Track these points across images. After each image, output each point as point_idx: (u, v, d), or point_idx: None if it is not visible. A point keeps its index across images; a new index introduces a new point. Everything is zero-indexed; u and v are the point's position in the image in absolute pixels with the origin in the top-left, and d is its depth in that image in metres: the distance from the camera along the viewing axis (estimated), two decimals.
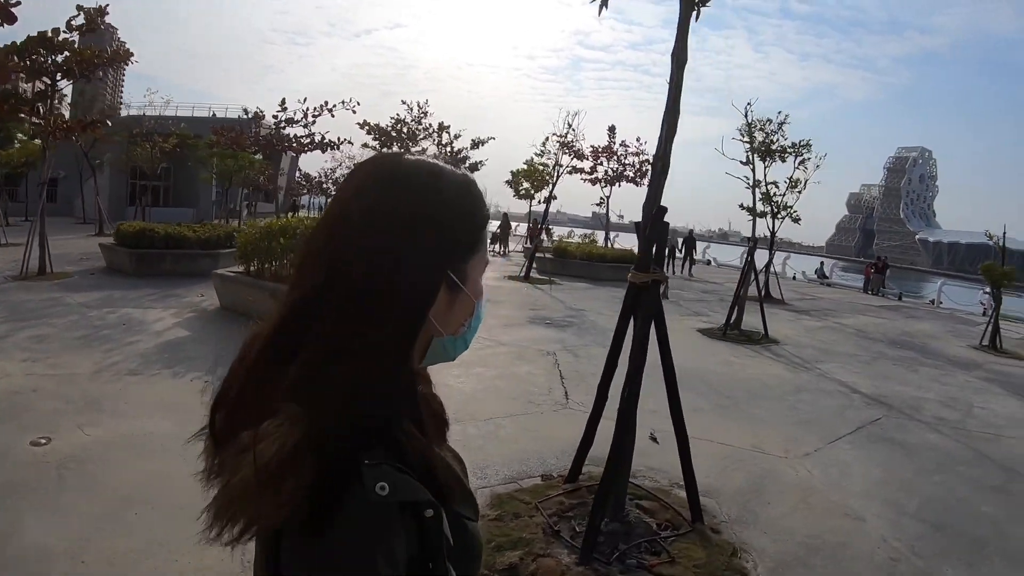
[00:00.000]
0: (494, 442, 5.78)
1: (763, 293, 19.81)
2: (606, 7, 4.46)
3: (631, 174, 29.28)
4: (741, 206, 21.29)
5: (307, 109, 24.44)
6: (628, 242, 43.95)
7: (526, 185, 26.27)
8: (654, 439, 5.90)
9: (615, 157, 29.76)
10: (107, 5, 13.07)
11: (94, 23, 12.79)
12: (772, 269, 20.70)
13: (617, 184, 30.18)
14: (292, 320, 0.79)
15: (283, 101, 24.47)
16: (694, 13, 4.37)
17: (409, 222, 0.80)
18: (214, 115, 44.38)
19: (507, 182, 29.89)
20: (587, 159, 29.96)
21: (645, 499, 4.70)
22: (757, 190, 20.39)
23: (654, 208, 4.42)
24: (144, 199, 33.00)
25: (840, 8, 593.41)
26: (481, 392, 7.21)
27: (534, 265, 21.25)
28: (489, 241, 32.33)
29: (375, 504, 0.72)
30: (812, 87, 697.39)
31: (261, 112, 27.43)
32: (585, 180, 30.41)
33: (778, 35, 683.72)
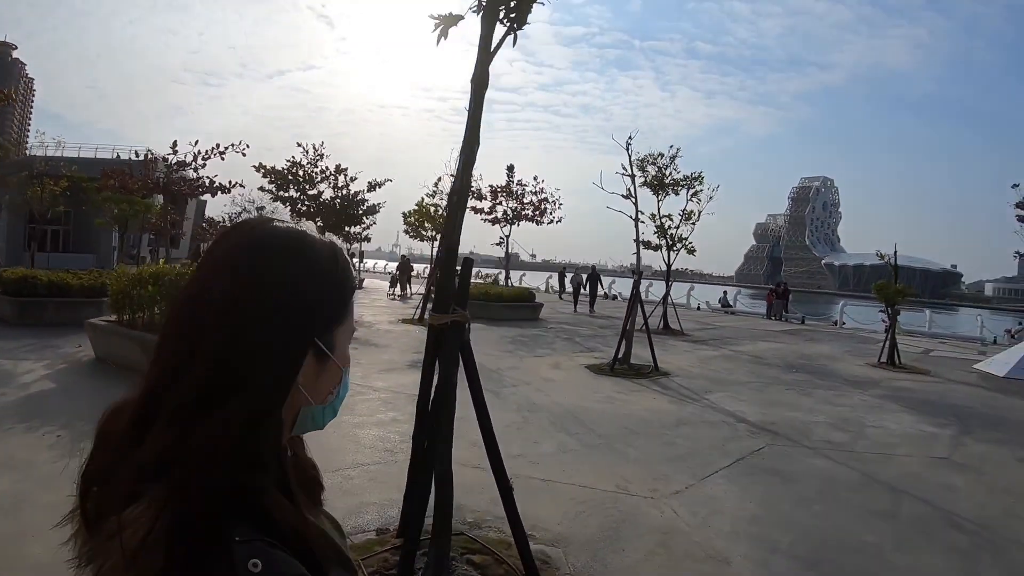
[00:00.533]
0: (337, 494, 5.13)
1: (661, 324, 19.38)
2: (445, 38, 3.91)
3: (530, 213, 28.82)
4: (635, 239, 21.04)
5: (198, 152, 23.34)
6: (535, 281, 43.87)
7: (428, 225, 25.34)
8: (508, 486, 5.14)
9: (514, 196, 29.28)
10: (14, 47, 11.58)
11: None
12: (671, 300, 20.25)
13: (516, 223, 29.61)
14: (155, 394, 0.74)
15: (175, 143, 23.13)
16: (510, 38, 3.91)
17: (274, 293, 0.78)
18: (118, 156, 42.21)
19: (406, 224, 29.07)
20: (486, 199, 29.44)
21: (480, 553, 4.24)
22: (652, 222, 20.16)
23: (449, 242, 4.02)
24: (34, 244, 30.70)
25: (743, 48, 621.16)
26: (337, 441, 6.49)
27: (429, 307, 20.13)
28: (389, 283, 31.24)
29: None
30: (716, 123, 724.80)
31: (153, 154, 25.87)
32: (485, 220, 29.81)
33: (684, 74, 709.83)
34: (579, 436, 7.40)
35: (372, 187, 28.03)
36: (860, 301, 41.59)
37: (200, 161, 23.16)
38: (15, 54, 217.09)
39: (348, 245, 36.17)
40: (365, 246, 35.44)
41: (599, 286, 28.68)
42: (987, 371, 14.54)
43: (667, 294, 20.23)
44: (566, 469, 6.07)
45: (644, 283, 34.27)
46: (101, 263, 28.90)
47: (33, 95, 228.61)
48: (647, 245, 20.40)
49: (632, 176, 13.36)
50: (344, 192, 27.51)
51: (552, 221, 30.10)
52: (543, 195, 29.50)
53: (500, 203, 29.36)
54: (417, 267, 36.40)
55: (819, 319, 32.03)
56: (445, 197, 22.23)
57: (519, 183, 28.62)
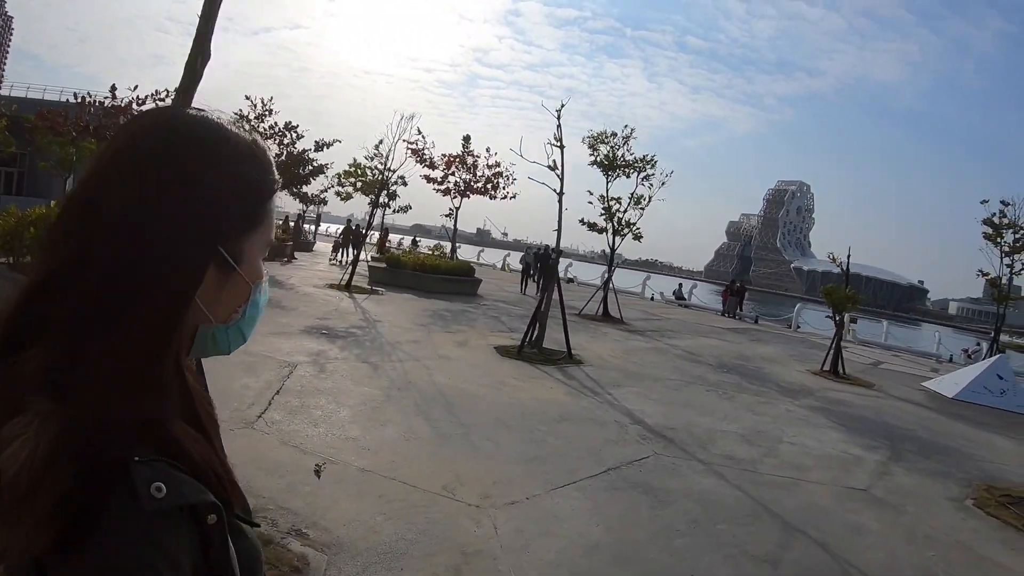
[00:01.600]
0: None
1: (600, 310, 18.15)
2: None
3: (481, 185, 27.49)
4: (581, 221, 19.73)
5: (136, 97, 22.24)
6: (493, 259, 42.57)
7: (347, 188, 23.75)
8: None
9: (467, 167, 27.87)
10: None
11: None
12: (612, 286, 19.02)
13: (467, 195, 28.19)
14: (35, 300, 0.64)
15: (113, 87, 22.36)
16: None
17: (177, 191, 0.66)
18: (81, 100, 40.66)
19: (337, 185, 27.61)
20: (438, 168, 27.97)
21: None
22: (600, 204, 18.89)
23: None
24: None
25: (734, 47, 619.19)
26: None
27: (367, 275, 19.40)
28: (331, 248, 29.83)
29: (150, 510, 0.57)
30: (701, 119, 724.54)
31: (91, 97, 24.37)
32: (437, 191, 28.39)
33: (672, 67, 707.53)
34: (438, 423, 6.31)
35: (320, 147, 26.78)
36: (822, 307, 40.91)
37: (135, 107, 22.32)
38: None
39: (305, 208, 34.69)
40: (347, 213, 34.36)
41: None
42: (935, 390, 13.48)
43: (608, 279, 18.98)
44: (397, 460, 5.21)
45: (601, 269, 33.37)
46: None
47: (11, 33, 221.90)
48: (592, 227, 19.18)
49: (560, 147, 11.95)
50: (289, 150, 26.43)
51: (506, 196, 28.69)
52: (497, 168, 28.13)
53: (453, 173, 27.94)
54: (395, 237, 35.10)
55: (775, 320, 31.06)
56: (383, 160, 20.67)
57: (470, 153, 27.20)
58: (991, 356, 16.12)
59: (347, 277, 17.60)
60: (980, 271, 15.47)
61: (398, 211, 35.92)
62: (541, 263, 22.58)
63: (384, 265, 21.34)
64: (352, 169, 23.43)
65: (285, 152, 25.98)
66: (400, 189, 35.36)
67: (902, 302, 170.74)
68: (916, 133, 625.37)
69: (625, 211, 18.65)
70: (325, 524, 3.94)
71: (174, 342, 0.66)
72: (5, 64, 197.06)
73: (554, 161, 12.18)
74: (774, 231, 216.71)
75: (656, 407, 8.24)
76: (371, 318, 12.94)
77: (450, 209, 27.97)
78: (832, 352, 13.64)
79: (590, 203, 19.03)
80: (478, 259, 45.32)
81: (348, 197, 25.45)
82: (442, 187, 28.47)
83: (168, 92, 20.33)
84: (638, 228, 18.88)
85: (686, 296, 31.43)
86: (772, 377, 12.04)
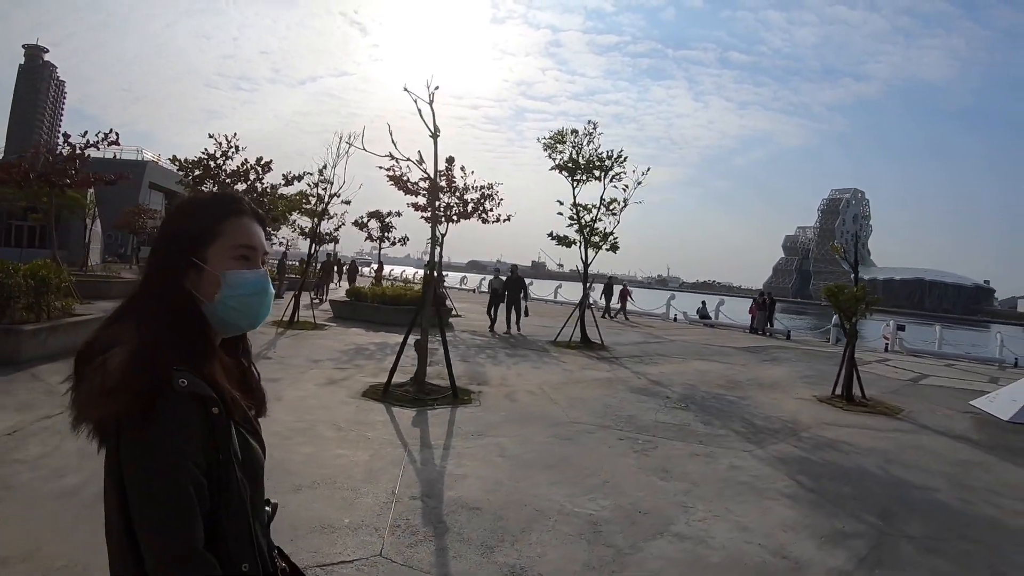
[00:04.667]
0: None
1: (574, 335, 15.23)
2: None
3: (469, 209, 24.76)
4: (550, 235, 16.77)
5: (87, 143, 20.79)
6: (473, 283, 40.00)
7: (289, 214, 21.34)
8: None
9: (454, 191, 25.13)
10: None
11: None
12: (591, 302, 16.08)
13: (455, 220, 25.43)
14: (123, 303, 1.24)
15: (66, 136, 20.71)
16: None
17: (163, 228, 1.30)
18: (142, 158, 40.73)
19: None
20: (420, 194, 25.33)
21: None
22: (570, 212, 16.02)
23: None
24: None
25: (777, 58, 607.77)
26: None
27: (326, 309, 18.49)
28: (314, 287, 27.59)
29: (177, 393, 1.06)
30: (749, 134, 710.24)
31: (53, 145, 23.32)
32: (422, 218, 25.72)
33: (717, 84, 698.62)
34: None
35: (289, 181, 24.58)
36: (883, 316, 36.78)
37: (86, 153, 20.95)
38: (46, 57, 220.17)
39: (318, 247, 32.64)
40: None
41: (523, 295, 19.07)
42: (987, 411, 10.14)
43: (584, 299, 15.99)
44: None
45: (640, 290, 30.12)
46: (70, 259, 26.16)
47: (64, 97, 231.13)
48: (561, 241, 16.29)
49: (435, 137, 9.09)
50: (259, 185, 24.57)
51: (498, 219, 25.79)
52: (485, 191, 25.36)
53: (438, 198, 25.22)
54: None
55: (816, 333, 27.45)
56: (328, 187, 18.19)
57: (451, 177, 24.58)
58: None
59: (290, 312, 15.60)
60: None
61: (395, 243, 33.76)
62: (508, 290, 18.51)
63: (347, 299, 20.35)
64: (290, 198, 21.01)
65: (253, 190, 24.21)
66: (395, 220, 33.39)
67: (969, 304, 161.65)
68: (970, 129, 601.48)
69: (595, 219, 15.72)
70: None
71: (179, 310, 1.18)
72: (61, 124, 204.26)
73: (419, 153, 9.45)
74: (831, 242, 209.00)
75: (499, 469, 5.69)
76: (276, 354, 10.91)
77: (439, 235, 25.24)
78: (843, 372, 10.41)
79: (559, 213, 16.18)
80: (460, 285, 42.98)
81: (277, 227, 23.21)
82: (427, 214, 25.73)
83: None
84: (615, 237, 15.92)
85: (711, 314, 28.03)
86: (752, 411, 8.91)
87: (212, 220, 1.25)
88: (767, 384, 11.47)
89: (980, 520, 5.19)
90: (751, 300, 25.96)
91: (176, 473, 1.03)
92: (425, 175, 24.42)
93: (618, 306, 27.27)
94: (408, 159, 9.73)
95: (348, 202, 20.41)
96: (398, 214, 33.19)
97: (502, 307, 18.13)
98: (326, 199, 18.19)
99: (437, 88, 8.91)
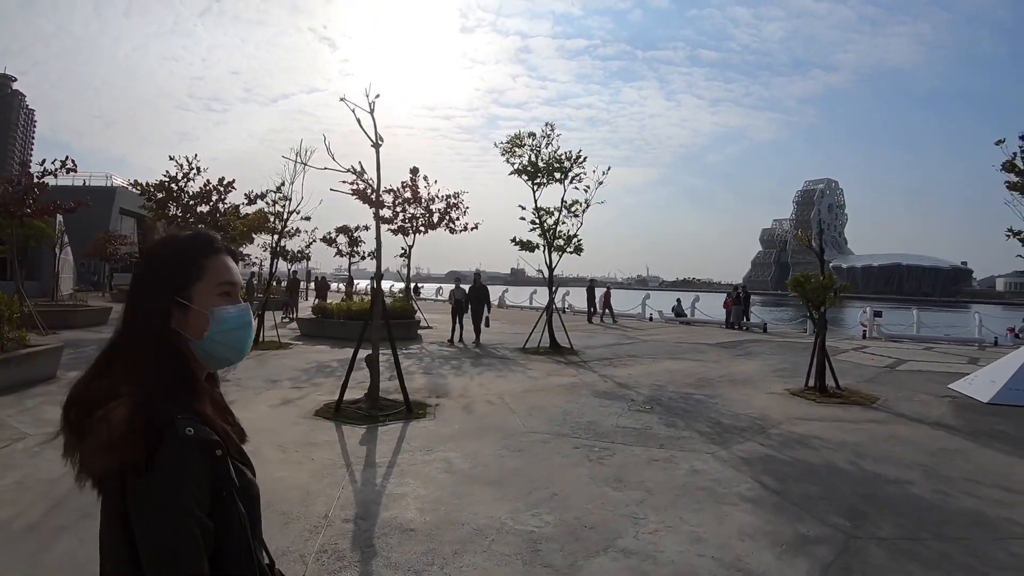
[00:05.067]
0: None
1: (542, 341, 14.79)
2: None
3: (435, 219, 24.26)
4: (513, 240, 16.28)
5: (43, 171, 20.38)
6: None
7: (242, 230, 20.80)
8: None
9: (419, 201, 24.59)
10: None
11: None
12: (560, 306, 15.64)
13: (422, 231, 24.89)
14: (109, 346, 1.24)
15: (23, 164, 20.57)
16: None
17: (144, 268, 1.28)
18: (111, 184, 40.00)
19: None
20: (385, 206, 24.75)
21: None
22: (533, 217, 15.57)
23: None
24: None
25: (746, 54, 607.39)
26: None
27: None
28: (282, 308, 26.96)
29: (184, 441, 1.08)
30: (722, 131, 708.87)
31: (11, 175, 22.41)
32: (389, 230, 25.15)
33: (688, 83, 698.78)
34: None
35: (252, 200, 24.05)
36: (861, 303, 36.60)
37: (44, 181, 20.64)
38: (15, 86, 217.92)
39: (289, 267, 32.04)
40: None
41: (486, 305, 17.86)
42: (967, 395, 9.80)
43: (550, 303, 15.55)
44: None
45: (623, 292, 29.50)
46: (43, 290, 26.43)
47: (35, 126, 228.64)
48: (524, 246, 15.84)
49: (375, 145, 8.61)
50: (220, 205, 24.06)
51: (466, 228, 25.25)
52: (451, 199, 24.87)
53: (404, 210, 24.72)
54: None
55: (794, 324, 27.18)
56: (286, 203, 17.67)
57: (415, 186, 24.12)
58: None
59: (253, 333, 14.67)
60: (1010, 230, 11.65)
61: (365, 258, 33.23)
62: (471, 299, 17.57)
63: (313, 316, 19.71)
64: (250, 216, 20.50)
65: (215, 210, 23.75)
66: (363, 234, 32.84)
67: (947, 286, 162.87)
68: (940, 113, 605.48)
69: (557, 222, 15.30)
70: None
71: (168, 352, 1.19)
72: (32, 154, 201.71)
73: (360, 163, 8.98)
74: (807, 233, 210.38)
75: (442, 486, 5.31)
76: (234, 376, 10.31)
77: (402, 248, 24.66)
78: (815, 363, 10.01)
79: (522, 218, 15.72)
80: (436, 296, 42.02)
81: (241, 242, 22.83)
82: (394, 226, 25.18)
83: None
84: (579, 240, 15.49)
85: (687, 312, 27.67)
86: (720, 410, 8.49)
87: (194, 259, 1.27)
88: (739, 380, 11.06)
89: (959, 515, 4.76)
90: (728, 296, 25.61)
91: (184, 519, 1.05)
92: (369, 187, 24.02)
93: (604, 310, 26.64)
94: (350, 169, 9.22)
95: (308, 218, 19.85)
96: (366, 228, 32.61)
97: (467, 318, 17.23)
98: (284, 216, 17.66)
99: (378, 97, 8.50)
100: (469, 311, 17.28)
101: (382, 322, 8.57)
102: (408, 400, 8.09)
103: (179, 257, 1.26)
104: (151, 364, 1.16)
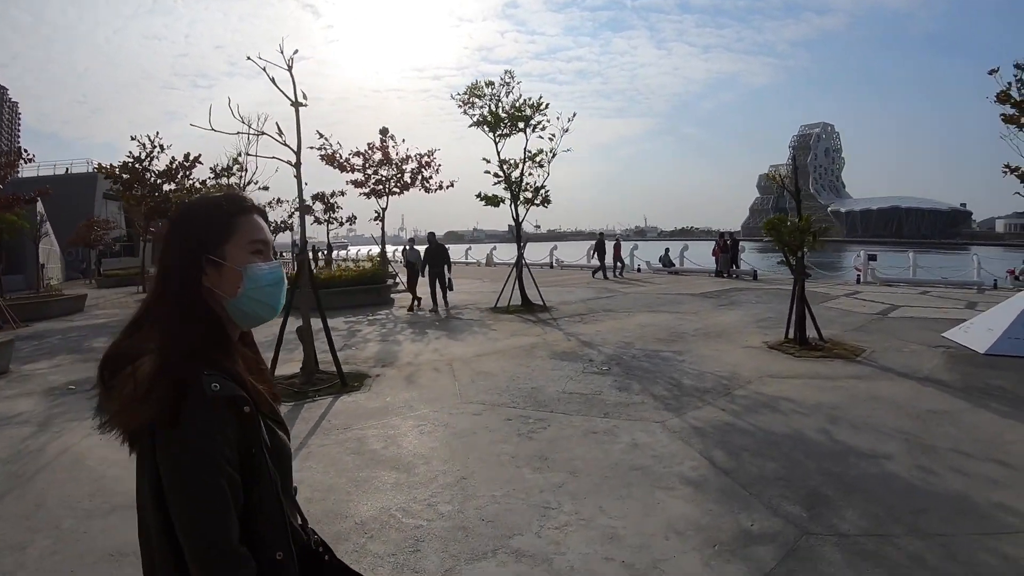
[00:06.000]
0: None
1: (512, 299, 13.98)
2: None
3: (407, 179, 23.31)
4: (478, 196, 15.21)
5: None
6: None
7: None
8: None
9: (391, 162, 23.53)
10: None
11: None
12: (525, 263, 14.72)
13: (397, 192, 23.89)
14: (144, 306, 1.24)
15: None
16: None
17: (175, 230, 1.25)
18: (95, 169, 40.02)
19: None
20: (356, 170, 23.65)
21: None
22: (496, 170, 14.55)
23: None
24: None
25: None
26: None
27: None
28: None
29: (210, 397, 1.08)
30: (715, 78, 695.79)
31: None
32: (362, 194, 24.15)
33: (679, 30, 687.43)
34: None
35: (218, 174, 23.24)
36: (859, 247, 35.73)
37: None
38: None
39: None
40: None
41: (446, 266, 15.29)
42: (962, 344, 8.97)
43: (519, 259, 14.65)
44: None
45: (629, 244, 28.26)
46: (29, 282, 25.72)
47: (19, 118, 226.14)
48: (490, 201, 14.87)
49: (295, 105, 7.64)
50: (189, 183, 24.01)
51: (440, 187, 24.21)
52: (424, 158, 23.86)
53: (375, 172, 23.66)
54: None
55: (787, 271, 26.25)
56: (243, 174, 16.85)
57: (385, 146, 23.12)
58: None
59: None
60: (1007, 165, 10.70)
61: (344, 223, 32.19)
62: (427, 261, 15.38)
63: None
64: (210, 189, 19.83)
65: (179, 187, 23.75)
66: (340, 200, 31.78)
67: (946, 228, 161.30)
68: (938, 55, 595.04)
69: (523, 173, 14.31)
70: None
71: (200, 311, 1.19)
72: (18, 147, 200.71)
73: (277, 125, 8.03)
74: (805, 178, 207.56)
75: (342, 471, 4.74)
76: None
77: (376, 212, 23.69)
78: (794, 313, 9.17)
79: (486, 172, 14.71)
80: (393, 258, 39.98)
81: None
82: (367, 189, 24.21)
83: None
84: (546, 191, 14.53)
85: (675, 261, 26.76)
86: (685, 368, 7.69)
87: (227, 218, 1.26)
88: (714, 333, 10.24)
89: (940, 499, 3.94)
90: (713, 243, 24.67)
91: (211, 472, 1.05)
92: (352, 152, 22.80)
93: (616, 263, 24.66)
94: (266, 134, 8.36)
95: (266, 188, 19.02)
96: (342, 193, 31.53)
97: (424, 282, 15.32)
98: (242, 186, 16.85)
99: (296, 52, 7.63)
100: (426, 275, 15.23)
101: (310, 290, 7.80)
102: (342, 372, 7.53)
103: (212, 216, 1.25)
104: (181, 322, 1.15)
